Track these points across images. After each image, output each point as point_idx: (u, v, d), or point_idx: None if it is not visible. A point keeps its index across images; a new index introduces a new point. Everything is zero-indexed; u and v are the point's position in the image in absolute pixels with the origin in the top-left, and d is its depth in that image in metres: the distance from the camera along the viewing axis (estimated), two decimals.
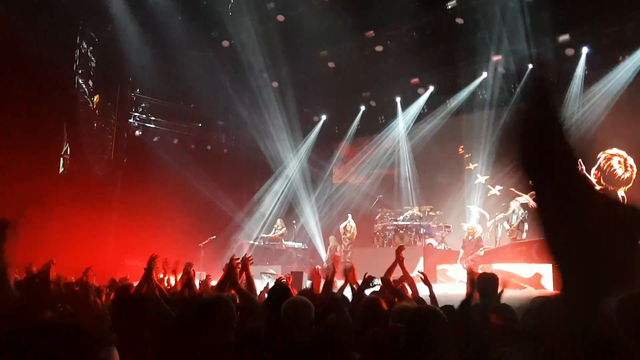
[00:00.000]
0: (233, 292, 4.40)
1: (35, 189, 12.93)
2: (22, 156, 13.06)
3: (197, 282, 6.27)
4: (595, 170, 13.61)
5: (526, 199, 14.06)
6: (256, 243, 16.02)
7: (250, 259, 5.04)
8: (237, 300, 4.28)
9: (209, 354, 2.64)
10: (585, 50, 13.41)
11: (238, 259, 4.68)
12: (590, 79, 13.47)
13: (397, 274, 5.36)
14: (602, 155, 13.56)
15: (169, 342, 2.91)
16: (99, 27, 15.73)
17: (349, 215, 15.99)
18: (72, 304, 4.46)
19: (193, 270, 5.96)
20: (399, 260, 5.32)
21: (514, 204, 13.33)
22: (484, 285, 3.86)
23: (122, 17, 15.12)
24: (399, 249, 5.48)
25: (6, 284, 2.38)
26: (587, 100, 13.40)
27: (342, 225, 15.93)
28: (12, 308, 2.45)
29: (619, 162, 13.35)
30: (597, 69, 13.35)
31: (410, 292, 4.88)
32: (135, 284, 5.57)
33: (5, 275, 2.40)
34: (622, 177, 13.27)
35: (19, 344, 1.10)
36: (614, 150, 13.43)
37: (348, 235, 15.68)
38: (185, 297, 4.70)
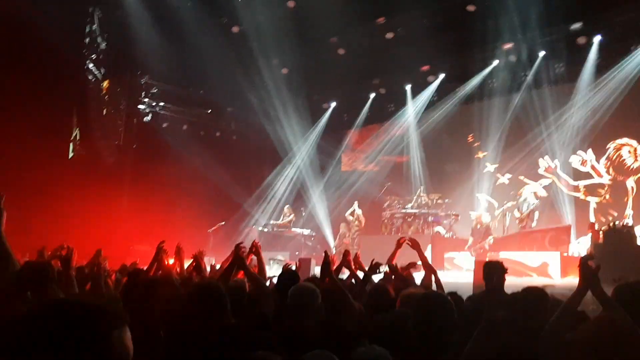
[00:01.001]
0: (241, 276, 4.44)
1: (45, 173, 13.04)
2: (33, 141, 13.15)
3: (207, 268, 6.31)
4: (605, 160, 13.55)
5: (536, 187, 14.03)
6: (265, 229, 16.09)
7: (258, 244, 5.08)
8: (246, 286, 4.33)
9: (211, 336, 2.69)
10: (597, 38, 13.26)
11: (242, 244, 4.72)
12: (602, 68, 13.35)
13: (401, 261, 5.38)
14: (611, 145, 13.48)
15: (178, 324, 2.96)
16: (109, 13, 15.74)
17: (356, 203, 16.01)
18: (82, 286, 4.52)
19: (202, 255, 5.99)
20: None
21: (526, 192, 13.31)
22: (489, 273, 3.87)
23: (132, 3, 15.10)
24: (401, 241, 5.48)
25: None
26: (598, 90, 13.30)
27: (348, 212, 15.95)
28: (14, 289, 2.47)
29: (629, 152, 13.27)
30: (609, 58, 13.21)
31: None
32: (145, 268, 5.62)
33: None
34: (632, 166, 13.20)
35: (32, 323, 1.11)
36: (624, 140, 13.35)
37: (356, 223, 15.72)
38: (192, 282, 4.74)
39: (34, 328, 1.10)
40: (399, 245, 5.43)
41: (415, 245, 5.07)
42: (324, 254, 4.21)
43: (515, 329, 2.93)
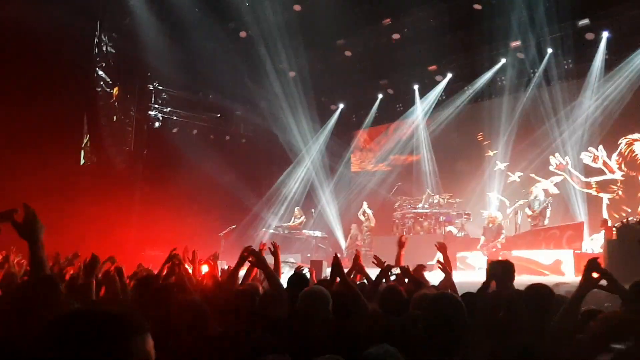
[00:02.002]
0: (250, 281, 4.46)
1: (58, 180, 13.15)
2: (45, 149, 13.28)
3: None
4: (617, 156, 13.44)
5: (547, 184, 13.95)
6: (275, 232, 16.11)
7: (277, 245, 5.06)
8: (259, 289, 4.35)
9: (218, 343, 2.71)
10: (605, 34, 13.17)
11: (250, 247, 4.73)
12: (611, 64, 13.25)
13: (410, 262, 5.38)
14: (623, 141, 13.37)
15: (191, 331, 2.98)
16: (118, 20, 15.85)
17: (364, 203, 16.01)
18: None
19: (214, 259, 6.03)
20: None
21: (536, 190, 13.22)
22: (498, 273, 3.85)
23: (140, 10, 15.20)
24: (400, 241, 5.59)
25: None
26: (608, 85, 13.20)
27: (360, 212, 15.95)
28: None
29: None
30: (618, 54, 13.12)
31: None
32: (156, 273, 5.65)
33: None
34: None
35: (56, 332, 1.13)
36: (636, 135, 13.23)
37: (365, 224, 15.70)
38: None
39: (56, 337, 1.12)
40: (401, 245, 5.49)
41: (442, 248, 5.14)
42: (334, 256, 4.21)
43: (519, 327, 2.92)
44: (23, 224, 2.32)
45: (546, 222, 12.71)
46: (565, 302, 2.83)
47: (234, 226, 14.79)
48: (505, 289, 3.88)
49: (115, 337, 1.13)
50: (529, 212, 12.97)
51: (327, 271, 10.48)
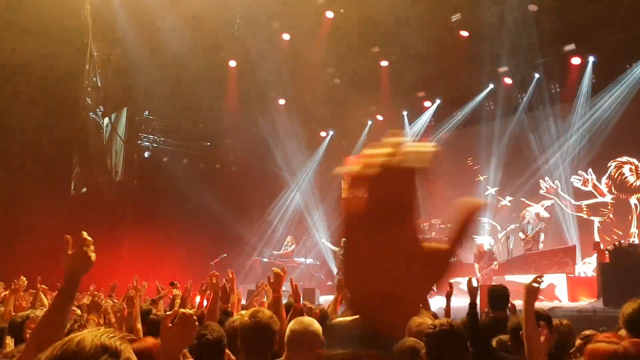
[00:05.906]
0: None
1: (48, 211, 13.03)
2: (34, 180, 13.19)
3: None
4: (607, 179, 13.54)
5: (538, 208, 13.99)
6: (266, 260, 15.98)
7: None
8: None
9: None
10: (591, 59, 13.41)
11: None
12: (598, 88, 13.46)
13: None
14: (612, 164, 13.49)
15: None
16: (107, 50, 15.91)
17: None
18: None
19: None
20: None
21: (529, 214, 13.26)
22: (493, 298, 3.82)
23: (129, 40, 15.27)
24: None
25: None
26: (595, 109, 13.38)
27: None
28: None
29: (631, 170, 13.27)
30: (605, 77, 13.34)
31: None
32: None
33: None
34: (634, 184, 13.18)
35: None
36: (625, 158, 13.36)
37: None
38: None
39: None
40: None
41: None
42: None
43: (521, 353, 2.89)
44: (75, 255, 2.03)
45: (540, 246, 12.71)
46: (567, 328, 2.80)
47: (224, 255, 14.67)
48: (503, 314, 3.85)
49: None
50: (522, 236, 12.96)
51: (319, 299, 10.37)
